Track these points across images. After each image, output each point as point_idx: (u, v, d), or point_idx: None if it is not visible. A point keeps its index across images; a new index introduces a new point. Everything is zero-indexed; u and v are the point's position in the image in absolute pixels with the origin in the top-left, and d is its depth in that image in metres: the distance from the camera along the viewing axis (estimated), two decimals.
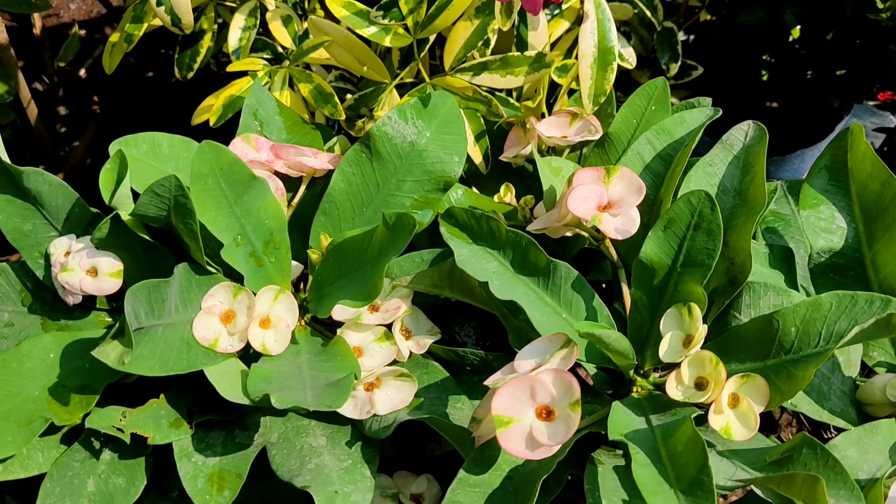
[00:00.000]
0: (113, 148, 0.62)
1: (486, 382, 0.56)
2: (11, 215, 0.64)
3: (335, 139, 0.73)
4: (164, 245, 0.62)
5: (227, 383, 0.58)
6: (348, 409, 0.62)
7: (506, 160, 0.74)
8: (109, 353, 0.53)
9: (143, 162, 0.63)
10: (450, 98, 0.68)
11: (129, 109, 1.36)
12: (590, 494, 0.52)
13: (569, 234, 0.64)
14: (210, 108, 0.82)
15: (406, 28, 0.72)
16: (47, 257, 0.64)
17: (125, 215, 0.59)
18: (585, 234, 0.62)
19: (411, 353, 0.64)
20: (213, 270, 0.61)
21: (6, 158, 0.63)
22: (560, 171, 0.66)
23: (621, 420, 0.53)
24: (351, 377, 0.56)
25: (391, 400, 0.61)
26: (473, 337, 0.69)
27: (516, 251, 0.59)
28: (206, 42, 0.92)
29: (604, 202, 0.59)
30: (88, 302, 0.66)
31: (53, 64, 1.23)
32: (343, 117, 0.74)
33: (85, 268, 0.62)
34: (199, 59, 0.92)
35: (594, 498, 0.51)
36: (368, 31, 0.70)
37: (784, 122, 1.07)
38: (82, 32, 1.54)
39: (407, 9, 0.70)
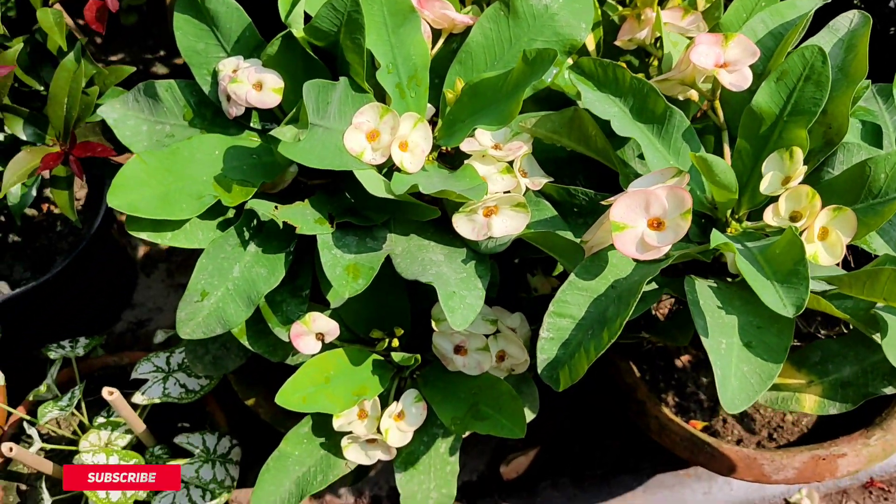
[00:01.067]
0: None
1: (603, 202, 0.63)
2: (188, 34, 0.73)
3: (471, 7, 0.80)
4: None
5: (372, 183, 0.66)
6: (466, 231, 0.69)
7: (619, 44, 0.81)
8: (286, 133, 0.61)
9: None
10: None
11: None
12: (690, 294, 0.59)
13: (681, 97, 0.71)
14: None
15: None
16: (215, 74, 0.73)
17: (298, 32, 0.67)
18: (697, 94, 0.69)
19: (527, 189, 0.72)
20: (367, 90, 0.69)
21: None
22: (677, 45, 0.73)
23: (720, 238, 0.60)
24: (485, 183, 0.63)
25: (506, 226, 0.69)
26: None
27: (637, 98, 0.66)
28: None
29: (720, 61, 0.66)
30: (243, 119, 0.75)
31: None
32: None
33: (252, 81, 0.70)
34: None
35: (693, 296, 0.58)
36: None
37: None
38: None
39: None
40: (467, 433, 0.74)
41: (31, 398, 0.96)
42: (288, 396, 0.70)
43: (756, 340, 0.57)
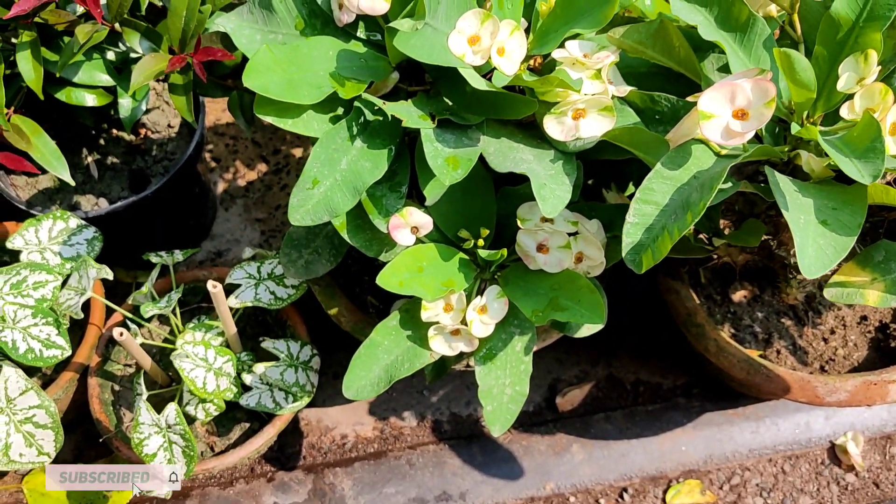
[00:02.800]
0: None
1: (689, 98, 0.69)
2: None
3: None
4: None
5: (475, 79, 0.72)
6: (556, 132, 0.75)
7: None
8: (403, 24, 0.68)
9: None
10: None
11: None
12: (770, 176, 0.64)
13: (760, 12, 0.76)
14: None
15: None
16: None
17: None
18: (775, 10, 0.74)
19: (612, 96, 0.77)
20: None
21: None
22: None
23: (797, 128, 0.65)
24: (580, 78, 0.69)
25: (592, 129, 0.75)
26: None
27: (722, 7, 0.72)
28: None
29: None
30: (350, 28, 0.81)
31: None
32: None
33: None
34: None
35: (773, 178, 0.64)
36: None
37: None
38: None
39: None
40: (547, 322, 0.79)
41: (130, 301, 1.04)
42: (387, 279, 0.77)
43: (831, 219, 0.62)
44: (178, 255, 1.05)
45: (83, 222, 1.03)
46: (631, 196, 0.94)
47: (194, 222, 1.31)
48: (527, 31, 0.82)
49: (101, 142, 1.16)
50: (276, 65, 0.71)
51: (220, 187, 1.40)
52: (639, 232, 0.68)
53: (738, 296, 1.10)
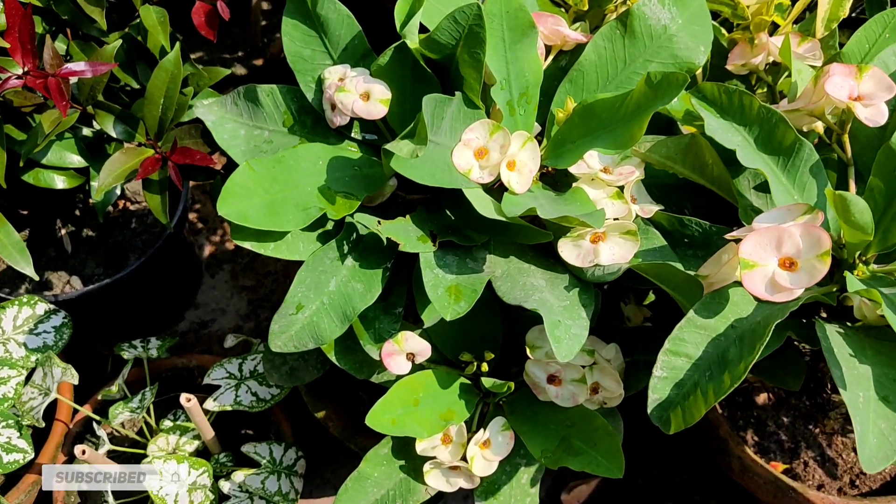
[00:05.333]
0: None
1: (727, 236, 0.60)
2: (295, 39, 0.71)
3: (579, 24, 0.78)
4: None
5: (481, 204, 0.63)
6: (572, 257, 0.67)
7: (731, 68, 0.78)
8: (402, 149, 0.59)
9: (429, 3, 0.69)
10: None
11: None
12: (824, 342, 0.55)
13: (805, 128, 0.68)
14: None
15: None
16: (320, 82, 0.71)
17: (412, 43, 0.65)
18: (824, 132, 0.66)
19: (637, 216, 0.69)
20: (479, 107, 0.67)
21: None
22: (801, 73, 0.70)
23: (854, 283, 0.57)
24: (602, 210, 0.61)
25: (613, 254, 0.66)
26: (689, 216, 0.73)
27: (763, 127, 0.63)
28: None
29: (854, 94, 0.63)
30: (344, 129, 0.73)
31: None
32: (586, 7, 0.79)
33: (359, 91, 0.68)
34: None
35: (827, 344, 0.55)
36: None
37: None
38: None
39: None
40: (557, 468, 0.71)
41: (100, 397, 0.95)
42: (378, 418, 0.68)
43: (893, 395, 0.54)
44: (154, 350, 0.96)
45: (51, 307, 0.95)
46: (652, 306, 0.86)
47: (176, 293, 1.22)
48: (540, 136, 0.73)
49: (76, 212, 1.08)
50: (258, 185, 0.63)
51: (207, 250, 1.31)
52: (667, 388, 0.59)
53: (762, 398, 1.01)
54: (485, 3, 0.64)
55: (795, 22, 0.84)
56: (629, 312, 0.81)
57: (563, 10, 0.79)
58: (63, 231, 1.07)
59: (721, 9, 0.75)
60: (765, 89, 0.82)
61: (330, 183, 0.67)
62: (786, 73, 0.78)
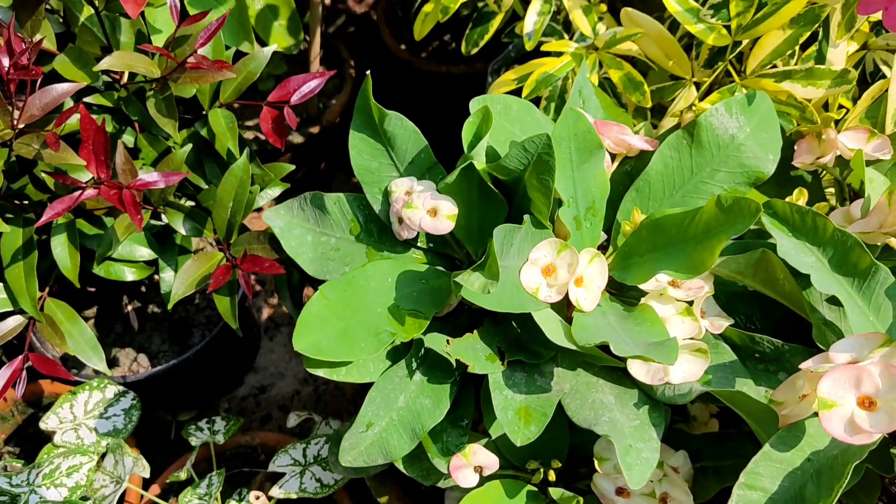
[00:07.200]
0: (475, 105, 0.69)
1: (802, 366, 0.59)
2: (363, 152, 0.72)
3: (642, 124, 0.77)
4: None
5: (551, 328, 0.63)
6: (641, 374, 0.66)
7: (798, 164, 0.77)
8: (474, 283, 0.60)
9: (496, 120, 0.70)
10: (768, 99, 0.71)
11: (378, 76, 1.46)
12: None
13: (879, 242, 0.66)
14: (509, 82, 0.88)
15: (728, 28, 0.76)
16: (386, 194, 0.72)
17: (479, 164, 0.65)
18: None
19: (706, 331, 0.68)
20: (547, 226, 0.67)
21: (372, 100, 0.71)
22: (873, 182, 0.69)
23: None
24: (675, 341, 0.60)
25: (683, 372, 0.66)
26: (757, 327, 0.72)
27: (838, 249, 0.62)
28: (497, 22, 0.99)
29: None
30: (411, 239, 0.74)
31: (323, 24, 1.32)
32: (650, 105, 0.79)
33: (426, 207, 0.69)
34: (486, 37, 1.00)
35: None
36: (696, 28, 0.75)
37: None
38: (328, 1, 1.65)
39: (735, 11, 0.74)
40: None
41: (168, 480, 0.97)
42: None
43: None
44: (220, 436, 0.98)
45: (120, 389, 0.97)
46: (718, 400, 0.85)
47: (238, 359, 1.24)
48: (606, 242, 0.73)
49: (143, 288, 1.10)
50: (331, 312, 0.64)
51: (265, 314, 1.33)
52: None
53: None
54: (554, 127, 0.64)
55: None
56: (695, 411, 0.80)
57: (624, 110, 0.78)
58: (129, 307, 1.09)
59: (789, 110, 0.74)
60: (833, 184, 0.80)
61: (399, 300, 0.68)
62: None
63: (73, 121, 0.83)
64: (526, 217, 0.64)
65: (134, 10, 0.66)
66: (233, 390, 1.26)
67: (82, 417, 0.95)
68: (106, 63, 0.70)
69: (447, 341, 0.66)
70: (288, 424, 1.03)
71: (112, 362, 1.06)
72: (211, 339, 1.03)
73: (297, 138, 1.27)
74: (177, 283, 0.77)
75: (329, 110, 1.30)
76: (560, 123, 0.64)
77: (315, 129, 1.28)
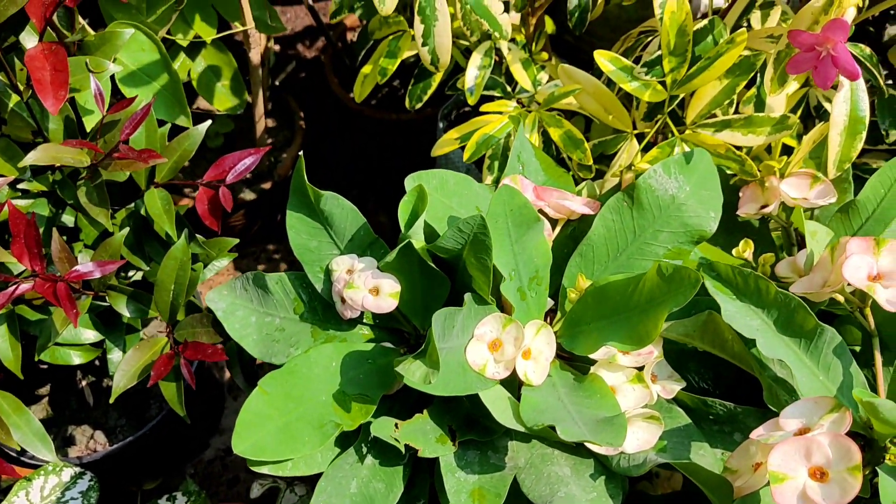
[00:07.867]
0: (410, 182, 0.68)
1: (753, 436, 0.58)
2: (301, 232, 0.71)
3: (584, 184, 0.77)
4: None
5: (499, 408, 0.62)
6: (595, 444, 0.65)
7: (743, 215, 0.77)
8: (415, 372, 0.58)
9: (432, 196, 0.69)
10: (707, 155, 0.71)
11: (328, 126, 1.45)
12: None
13: (824, 299, 0.66)
14: (451, 141, 0.87)
15: (663, 84, 0.75)
16: (328, 272, 0.71)
17: (418, 243, 0.64)
18: (845, 301, 0.64)
19: (658, 396, 0.67)
20: (490, 302, 0.66)
21: (306, 182, 0.69)
22: (816, 235, 0.69)
23: (892, 487, 0.55)
24: (623, 417, 0.59)
25: (638, 440, 0.65)
26: (710, 385, 0.72)
27: (782, 312, 0.62)
28: (438, 78, 0.98)
29: (874, 273, 0.61)
30: (356, 317, 0.72)
31: (268, 80, 1.31)
32: (591, 162, 0.78)
33: (368, 287, 0.68)
34: (429, 91, 0.99)
35: None
36: (631, 86, 0.74)
37: None
38: (276, 48, 1.64)
39: (669, 67, 0.74)
40: None
41: None
42: None
43: None
44: None
45: (77, 471, 0.94)
46: None
47: (201, 423, 1.22)
48: (553, 309, 0.72)
49: (96, 362, 1.08)
50: (272, 407, 0.62)
51: (227, 374, 1.31)
52: None
53: None
54: (489, 205, 0.63)
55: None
56: (657, 468, 0.79)
57: (567, 169, 0.78)
58: (84, 382, 1.07)
59: (729, 164, 0.74)
60: (779, 230, 0.80)
61: (344, 385, 0.66)
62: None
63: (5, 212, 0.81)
64: (467, 296, 0.63)
65: (54, 106, 0.64)
66: (198, 454, 1.23)
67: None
68: (32, 158, 0.68)
69: (395, 425, 0.65)
70: (251, 495, 1.01)
71: (68, 440, 1.04)
72: (168, 413, 1.01)
73: (248, 195, 1.25)
74: (118, 375, 0.75)
75: (280, 164, 1.28)
76: (495, 200, 0.63)
77: (267, 185, 1.26)
